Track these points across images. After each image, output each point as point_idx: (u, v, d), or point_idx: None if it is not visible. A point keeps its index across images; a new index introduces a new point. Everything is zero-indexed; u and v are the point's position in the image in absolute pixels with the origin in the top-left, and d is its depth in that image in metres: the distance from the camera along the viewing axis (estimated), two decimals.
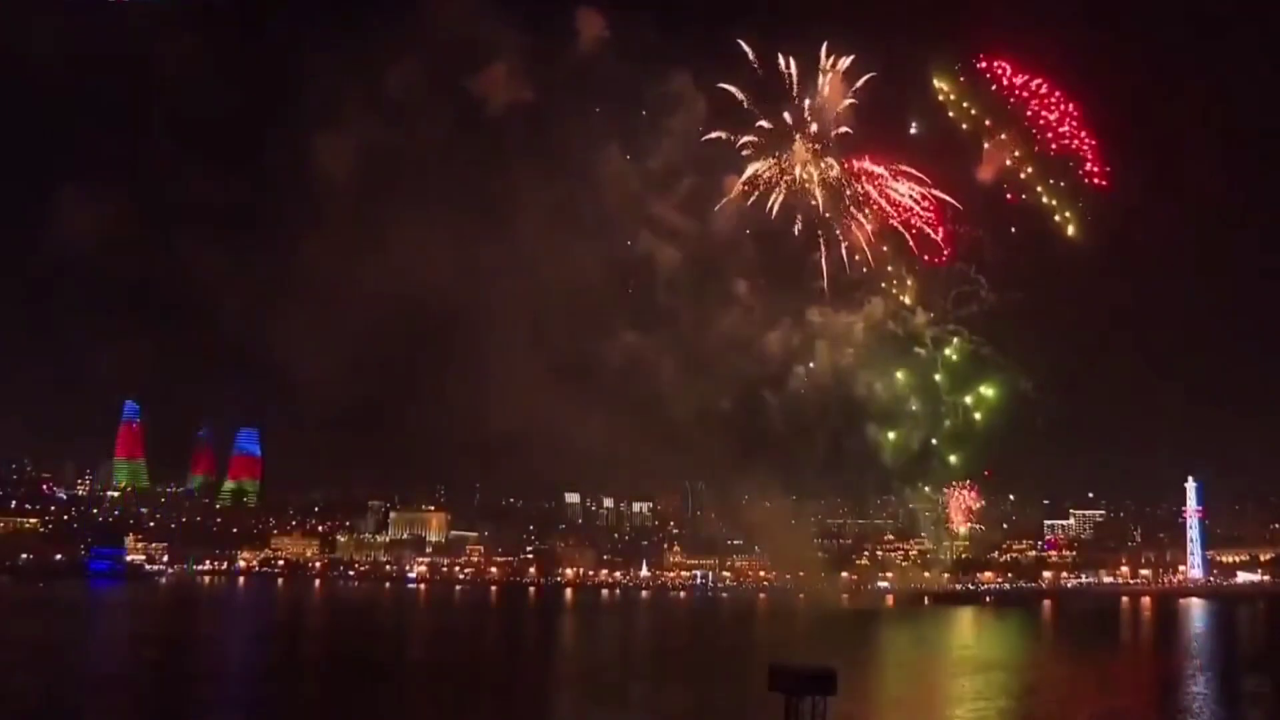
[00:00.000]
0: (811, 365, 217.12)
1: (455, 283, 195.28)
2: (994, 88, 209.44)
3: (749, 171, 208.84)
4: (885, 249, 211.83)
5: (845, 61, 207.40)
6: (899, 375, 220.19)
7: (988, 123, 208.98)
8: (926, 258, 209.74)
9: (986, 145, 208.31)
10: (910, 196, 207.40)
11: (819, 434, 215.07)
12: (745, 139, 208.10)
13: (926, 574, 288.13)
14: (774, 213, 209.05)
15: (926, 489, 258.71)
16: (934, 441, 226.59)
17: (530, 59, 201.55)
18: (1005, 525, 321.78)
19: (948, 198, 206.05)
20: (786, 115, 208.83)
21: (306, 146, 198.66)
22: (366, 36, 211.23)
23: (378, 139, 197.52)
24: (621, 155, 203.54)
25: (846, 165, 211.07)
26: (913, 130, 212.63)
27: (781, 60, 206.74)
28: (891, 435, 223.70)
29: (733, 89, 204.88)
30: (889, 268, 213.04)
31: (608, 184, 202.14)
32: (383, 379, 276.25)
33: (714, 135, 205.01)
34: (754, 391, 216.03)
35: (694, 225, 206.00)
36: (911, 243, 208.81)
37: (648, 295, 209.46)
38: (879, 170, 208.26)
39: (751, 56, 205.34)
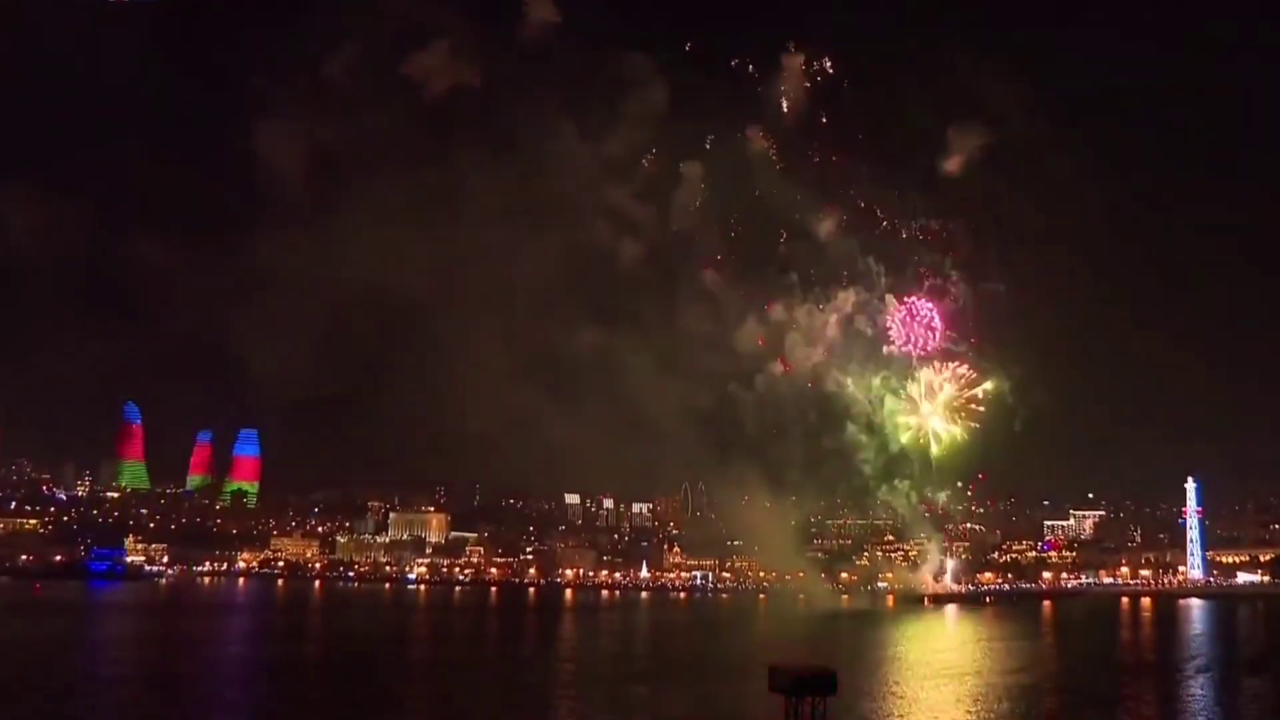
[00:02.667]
0: (783, 363, 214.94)
1: (424, 276, 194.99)
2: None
3: (700, 195, 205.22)
4: (854, 242, 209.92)
5: (822, 63, 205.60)
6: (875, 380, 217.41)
7: None
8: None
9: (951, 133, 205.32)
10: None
11: (795, 433, 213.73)
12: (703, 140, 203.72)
13: (928, 575, 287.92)
14: (735, 227, 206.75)
15: (910, 492, 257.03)
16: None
17: (482, 45, 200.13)
18: (1002, 527, 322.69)
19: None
20: (747, 131, 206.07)
21: (269, 142, 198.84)
22: (319, 28, 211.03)
23: (344, 131, 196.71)
24: (578, 142, 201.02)
25: (816, 161, 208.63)
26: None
27: (744, 58, 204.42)
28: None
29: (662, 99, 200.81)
30: (858, 264, 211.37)
31: (564, 172, 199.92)
32: (361, 375, 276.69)
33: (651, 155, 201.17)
34: (727, 389, 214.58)
35: (653, 214, 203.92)
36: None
37: (609, 288, 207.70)
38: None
39: (695, 57, 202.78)
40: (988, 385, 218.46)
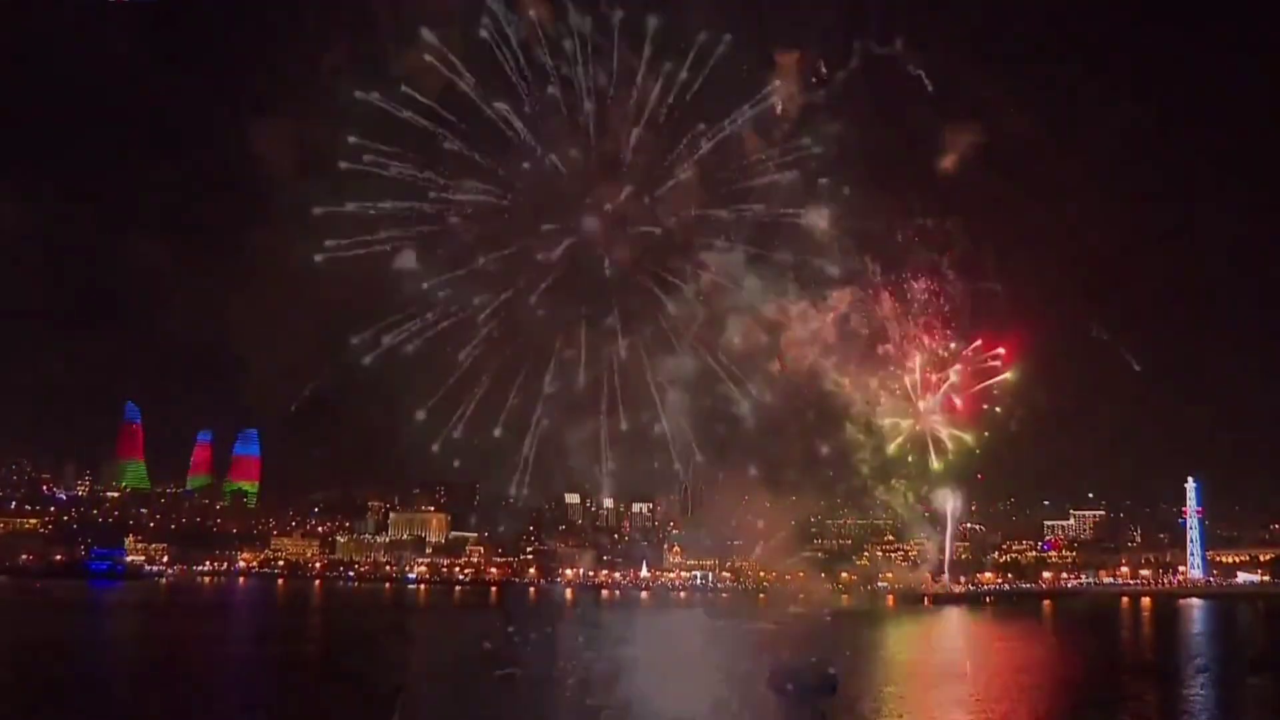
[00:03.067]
0: (780, 362, 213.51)
1: (422, 275, 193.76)
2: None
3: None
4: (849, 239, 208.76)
5: (817, 61, 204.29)
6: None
7: None
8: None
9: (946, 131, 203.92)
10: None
11: (793, 433, 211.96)
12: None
13: (928, 575, 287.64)
14: (730, 226, 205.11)
15: (907, 492, 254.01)
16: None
17: (478, 44, 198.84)
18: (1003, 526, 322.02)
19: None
20: (741, 129, 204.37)
21: (267, 141, 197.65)
22: (315, 26, 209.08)
23: (342, 131, 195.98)
24: (572, 140, 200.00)
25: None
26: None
27: (739, 55, 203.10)
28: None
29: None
30: (855, 263, 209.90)
31: (559, 170, 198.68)
32: (361, 374, 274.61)
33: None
34: (724, 390, 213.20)
35: (648, 213, 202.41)
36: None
37: (603, 287, 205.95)
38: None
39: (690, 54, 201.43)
40: (1008, 375, 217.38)
